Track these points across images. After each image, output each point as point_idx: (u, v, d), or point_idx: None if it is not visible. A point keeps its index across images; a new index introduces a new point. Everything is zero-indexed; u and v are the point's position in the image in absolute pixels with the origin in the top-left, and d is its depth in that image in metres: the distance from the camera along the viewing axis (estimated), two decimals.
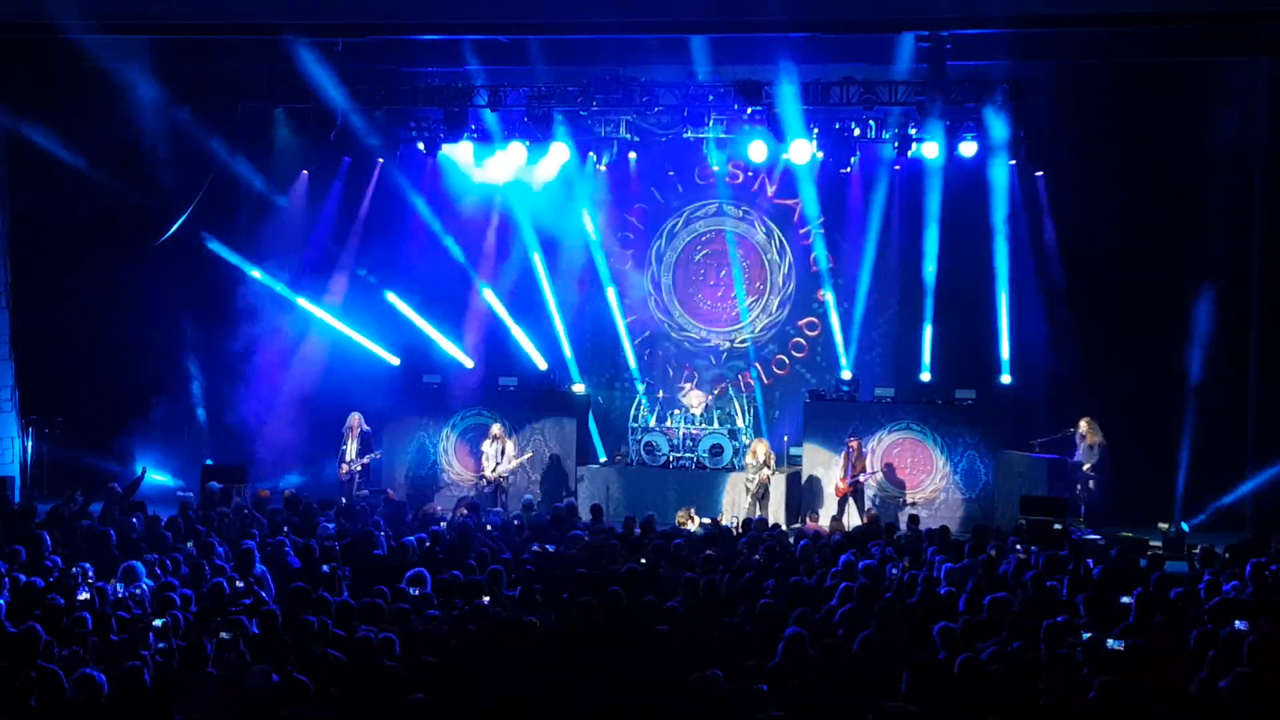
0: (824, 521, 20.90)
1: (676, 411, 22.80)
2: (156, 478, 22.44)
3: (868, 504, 21.31)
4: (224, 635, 10.25)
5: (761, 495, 21.21)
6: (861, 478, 21.30)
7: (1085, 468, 20.72)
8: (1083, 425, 20.76)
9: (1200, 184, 21.49)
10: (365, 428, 22.26)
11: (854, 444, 21.29)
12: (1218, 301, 21.09)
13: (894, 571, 14.25)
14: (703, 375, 24.43)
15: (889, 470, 21.87)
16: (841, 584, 12.70)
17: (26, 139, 21.45)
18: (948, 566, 14.07)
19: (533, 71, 22.04)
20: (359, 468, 22.07)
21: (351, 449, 22.09)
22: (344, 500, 20.27)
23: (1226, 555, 15.37)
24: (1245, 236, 21.51)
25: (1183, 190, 21.63)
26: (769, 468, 21.25)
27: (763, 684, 9.73)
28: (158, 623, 10.85)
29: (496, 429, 22.08)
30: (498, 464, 21.77)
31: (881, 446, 21.94)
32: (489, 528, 17.15)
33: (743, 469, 21.67)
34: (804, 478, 22.25)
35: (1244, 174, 21.39)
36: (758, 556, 14.81)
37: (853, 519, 20.67)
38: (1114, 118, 21.69)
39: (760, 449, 21.41)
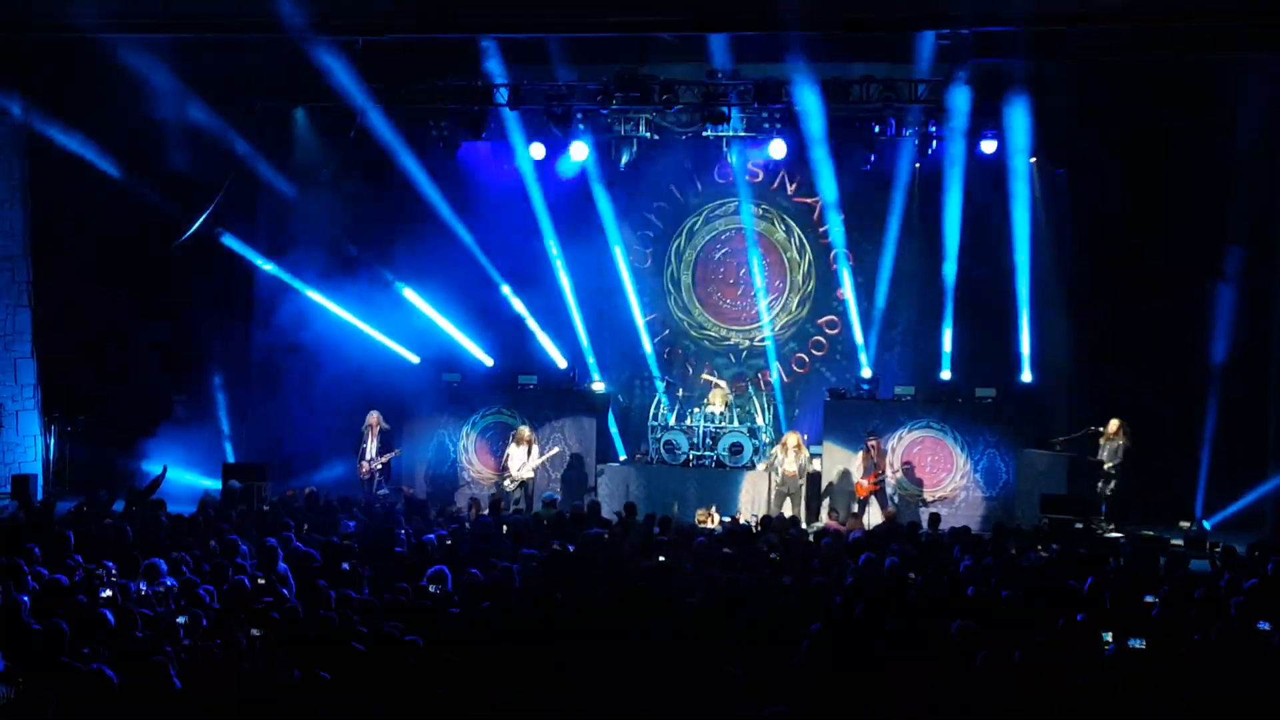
0: (844, 519, 20.86)
1: (696, 410, 22.80)
2: (202, 480, 22.51)
3: (888, 502, 21.28)
4: (254, 632, 10.28)
5: (789, 492, 21.16)
6: (888, 474, 21.28)
7: (1106, 466, 20.65)
8: (1112, 425, 20.69)
9: (1222, 181, 21.40)
10: (384, 425, 22.28)
11: (873, 443, 21.26)
12: (1240, 299, 21.04)
13: (914, 572, 14.21)
14: (722, 373, 24.42)
15: (909, 469, 21.84)
16: (862, 582, 12.70)
17: (47, 138, 21.56)
18: (968, 564, 14.05)
19: (553, 70, 22.06)
20: (379, 466, 22.10)
21: (371, 447, 22.12)
22: (364, 498, 20.31)
23: (1256, 554, 15.32)
24: (1268, 234, 21.39)
25: (1204, 187, 21.56)
26: (801, 460, 21.21)
27: (783, 682, 9.72)
28: (181, 620, 10.87)
29: (525, 432, 22.05)
30: (524, 463, 21.73)
31: (902, 445, 21.91)
32: (504, 528, 17.14)
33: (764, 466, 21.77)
34: (824, 476, 22.22)
35: (1267, 171, 21.27)
36: (774, 555, 14.81)
37: (874, 517, 20.64)
38: (1135, 114, 21.62)
39: (791, 439, 21.42)
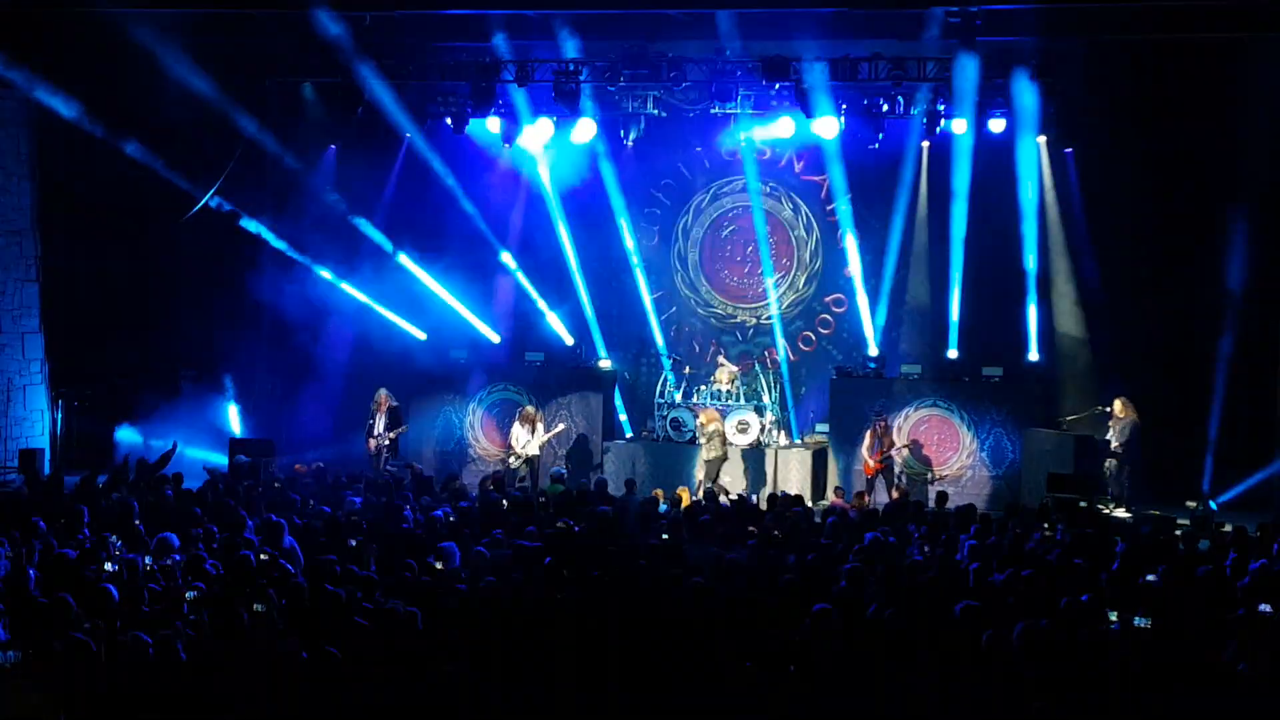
0: (849, 498, 20.84)
1: (703, 387, 22.80)
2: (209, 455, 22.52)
3: (895, 481, 21.24)
4: (258, 607, 10.30)
5: (713, 473, 21.24)
6: (893, 452, 21.25)
7: (1114, 445, 20.61)
8: (1117, 405, 20.64)
9: (1231, 159, 21.33)
10: (393, 403, 22.23)
11: (881, 423, 21.24)
12: (1249, 279, 20.99)
13: (921, 550, 14.22)
14: (729, 351, 24.42)
15: (916, 447, 21.81)
16: (867, 561, 12.70)
17: (56, 113, 21.53)
18: (973, 544, 14.05)
19: (560, 46, 21.99)
20: (387, 442, 22.07)
21: (380, 423, 22.07)
22: (371, 474, 20.33)
23: (1258, 534, 15.30)
24: (1276, 215, 21.34)
25: (1213, 166, 21.49)
26: (717, 437, 21.30)
27: (787, 659, 9.73)
28: (189, 595, 10.90)
29: (530, 411, 22.02)
30: (528, 440, 21.70)
31: (908, 424, 21.87)
32: (504, 504, 17.12)
33: (771, 445, 21.81)
34: (829, 454, 22.24)
35: (1275, 149, 21.20)
36: (777, 533, 14.80)
37: (880, 496, 20.62)
38: (1144, 93, 21.57)
39: (703, 416, 21.55)
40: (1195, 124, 21.40)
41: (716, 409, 21.91)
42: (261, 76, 22.97)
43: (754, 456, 21.84)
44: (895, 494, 20.13)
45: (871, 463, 21.20)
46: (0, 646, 9.29)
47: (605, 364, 23.87)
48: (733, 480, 21.47)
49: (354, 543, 13.72)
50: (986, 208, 22.23)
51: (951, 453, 21.85)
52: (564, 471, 20.55)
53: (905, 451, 21.61)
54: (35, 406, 22.96)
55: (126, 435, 22.55)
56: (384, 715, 8.91)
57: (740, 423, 22.04)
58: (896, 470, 21.46)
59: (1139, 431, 20.54)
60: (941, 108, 21.69)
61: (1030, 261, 22.18)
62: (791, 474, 21.75)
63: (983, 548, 13.88)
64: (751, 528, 15.55)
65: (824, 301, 24.37)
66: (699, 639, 10.08)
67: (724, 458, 21.36)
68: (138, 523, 14.22)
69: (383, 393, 22.22)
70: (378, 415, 22.10)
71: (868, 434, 21.38)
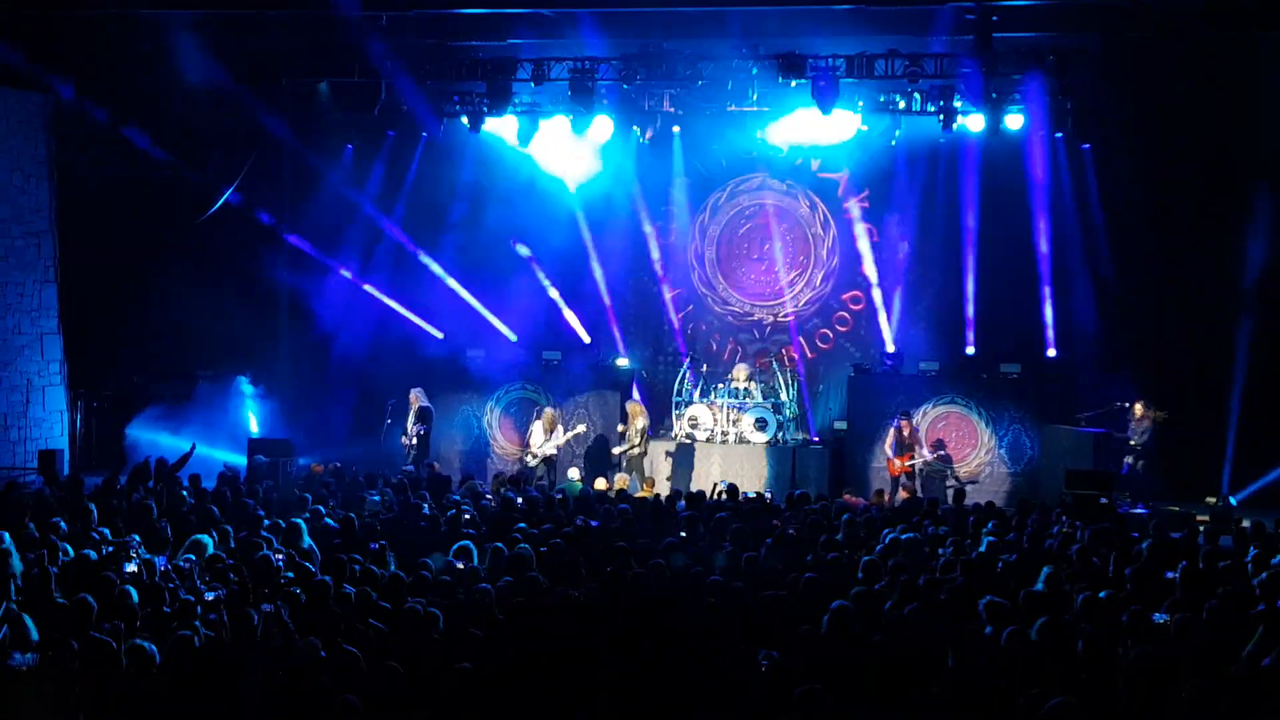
0: (867, 496, 20.79)
1: (720, 385, 22.78)
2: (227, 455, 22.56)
3: (915, 477, 21.15)
4: (266, 607, 10.31)
5: (629, 466, 21.37)
6: (917, 463, 21.12)
7: (1132, 442, 20.56)
8: (1137, 407, 20.57)
9: (1248, 156, 21.26)
10: (424, 403, 22.04)
11: (906, 425, 21.12)
12: (1266, 275, 20.93)
13: (942, 548, 14.18)
14: (746, 349, 24.40)
15: (934, 445, 21.75)
16: (885, 559, 12.69)
17: (74, 113, 21.61)
18: (991, 540, 14.02)
19: (577, 45, 22.00)
20: (415, 441, 21.97)
21: (410, 423, 21.93)
22: (391, 473, 20.31)
23: (1278, 530, 15.25)
24: None
25: (1230, 162, 21.43)
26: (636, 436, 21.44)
27: (806, 658, 9.72)
28: (209, 595, 10.91)
29: (550, 413, 21.99)
30: (545, 440, 21.68)
31: (926, 421, 21.85)
32: (519, 502, 17.09)
33: (795, 442, 21.80)
34: (846, 452, 22.21)
35: None
36: (791, 530, 14.79)
37: (901, 495, 20.55)
38: (1161, 89, 21.51)
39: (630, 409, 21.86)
40: (1211, 120, 21.36)
41: (732, 405, 22.03)
42: (278, 75, 22.98)
43: (772, 454, 21.82)
44: (904, 493, 20.08)
45: (897, 463, 21.11)
46: (25, 647, 9.34)
47: (623, 362, 23.87)
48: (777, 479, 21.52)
49: (375, 546, 13.65)
50: (1003, 204, 22.22)
51: (970, 449, 21.83)
52: (579, 473, 20.53)
53: (933, 460, 21.46)
54: (54, 407, 23.01)
55: (138, 433, 22.57)
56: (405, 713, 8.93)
57: (758, 420, 22.03)
58: (919, 468, 21.36)
59: (1158, 428, 20.51)
60: (958, 104, 21.64)
61: (1046, 257, 22.13)
62: (809, 472, 21.73)
63: (1002, 545, 13.87)
64: (776, 521, 15.58)
65: (841, 299, 24.36)
66: (717, 637, 10.08)
67: (644, 453, 21.53)
68: (163, 522, 14.26)
69: (414, 393, 22.06)
70: (410, 414, 21.95)
71: (891, 432, 21.30)
